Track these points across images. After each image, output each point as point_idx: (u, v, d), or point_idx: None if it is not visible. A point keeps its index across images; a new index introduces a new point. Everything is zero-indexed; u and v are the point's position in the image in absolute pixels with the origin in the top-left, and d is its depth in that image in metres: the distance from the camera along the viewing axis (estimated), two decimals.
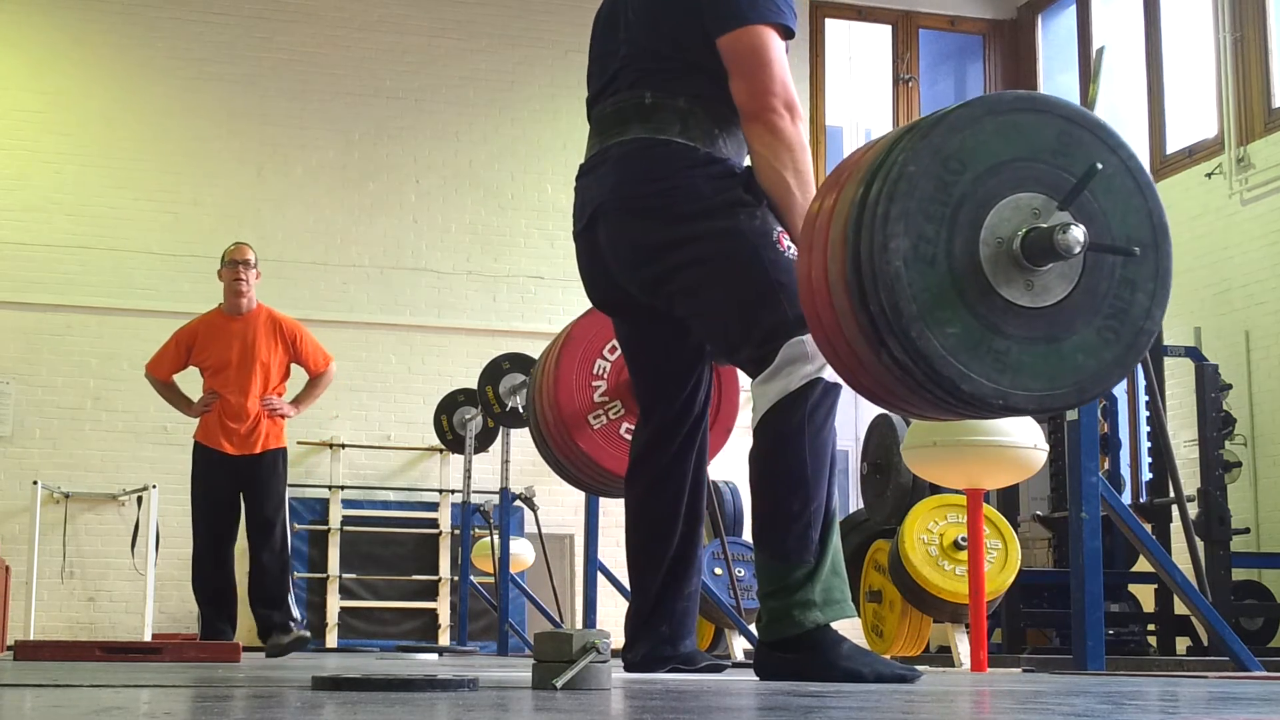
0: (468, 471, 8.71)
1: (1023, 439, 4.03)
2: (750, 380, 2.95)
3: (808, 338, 2.83)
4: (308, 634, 6.44)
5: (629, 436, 4.10)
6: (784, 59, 3.07)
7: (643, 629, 3.32)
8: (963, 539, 5.05)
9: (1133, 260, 2.35)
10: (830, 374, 2.87)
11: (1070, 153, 2.32)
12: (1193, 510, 6.77)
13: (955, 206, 2.26)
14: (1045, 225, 2.26)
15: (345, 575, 9.61)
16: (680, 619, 3.34)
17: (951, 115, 2.30)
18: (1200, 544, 6.68)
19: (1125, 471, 8.15)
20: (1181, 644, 7.39)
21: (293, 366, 6.68)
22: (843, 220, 2.32)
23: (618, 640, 3.23)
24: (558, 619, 8.48)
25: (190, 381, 6.70)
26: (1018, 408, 2.28)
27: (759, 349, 2.89)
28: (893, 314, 2.22)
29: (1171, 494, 6.79)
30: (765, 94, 2.99)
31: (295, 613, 6.56)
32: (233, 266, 6.56)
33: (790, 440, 2.85)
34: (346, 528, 9.71)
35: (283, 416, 6.53)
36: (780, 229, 2.95)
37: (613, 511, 5.77)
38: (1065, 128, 2.33)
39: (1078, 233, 2.24)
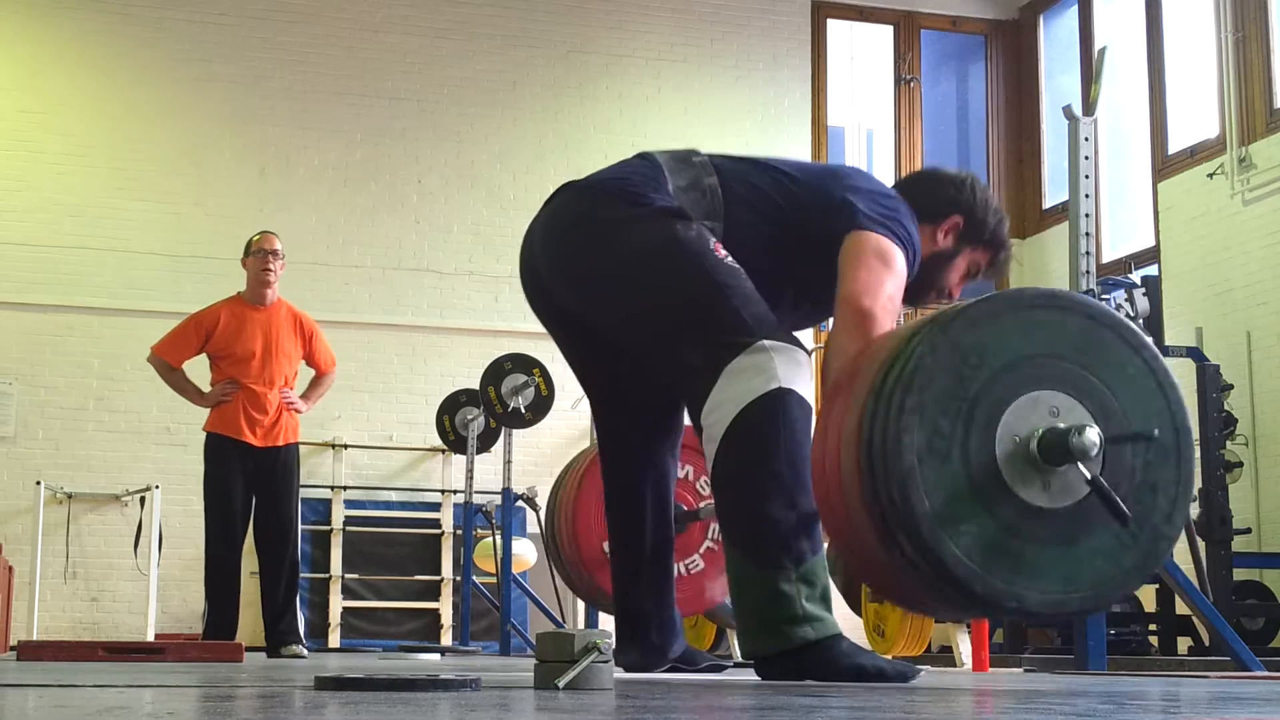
0: (470, 472, 8.71)
1: None
2: (698, 382, 2.86)
3: (771, 344, 2.79)
4: (305, 654, 6.39)
5: None
6: (904, 279, 2.92)
7: (630, 638, 3.29)
8: None
9: (1153, 463, 2.29)
10: (804, 388, 2.81)
11: (1092, 351, 2.27)
12: (1194, 510, 6.77)
13: (972, 402, 2.22)
14: (1062, 426, 2.21)
15: (348, 575, 9.61)
16: (667, 626, 3.30)
17: (971, 309, 2.26)
18: (1201, 544, 6.68)
19: None
20: (1183, 644, 7.39)
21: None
22: (858, 408, 2.28)
23: None
24: (560, 619, 8.49)
25: (193, 371, 6.63)
26: (1032, 612, 2.22)
27: (713, 349, 2.82)
28: (905, 510, 2.17)
29: None
30: (878, 290, 2.83)
31: (300, 623, 6.56)
32: (261, 255, 6.50)
33: (769, 442, 2.75)
34: (349, 528, 9.71)
35: (298, 412, 6.50)
36: (717, 241, 2.92)
37: None
38: (1087, 325, 2.28)
39: (1093, 435, 2.19)
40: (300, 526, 9.43)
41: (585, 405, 9.09)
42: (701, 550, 4.38)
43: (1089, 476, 2.19)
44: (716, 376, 2.80)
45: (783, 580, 2.73)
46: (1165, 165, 9.27)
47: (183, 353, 6.47)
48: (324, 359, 6.68)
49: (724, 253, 2.90)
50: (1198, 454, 6.83)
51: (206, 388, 6.52)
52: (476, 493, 8.68)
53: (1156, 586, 7.22)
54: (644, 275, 2.95)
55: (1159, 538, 2.29)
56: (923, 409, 2.19)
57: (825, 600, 2.73)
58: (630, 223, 2.95)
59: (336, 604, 9.52)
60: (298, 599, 6.55)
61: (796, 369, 2.82)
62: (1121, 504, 2.18)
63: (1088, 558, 2.23)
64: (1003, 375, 2.24)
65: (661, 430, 3.29)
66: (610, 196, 3.00)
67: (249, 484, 6.37)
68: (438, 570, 9.79)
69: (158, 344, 6.51)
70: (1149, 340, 2.34)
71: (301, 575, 9.35)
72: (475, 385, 8.23)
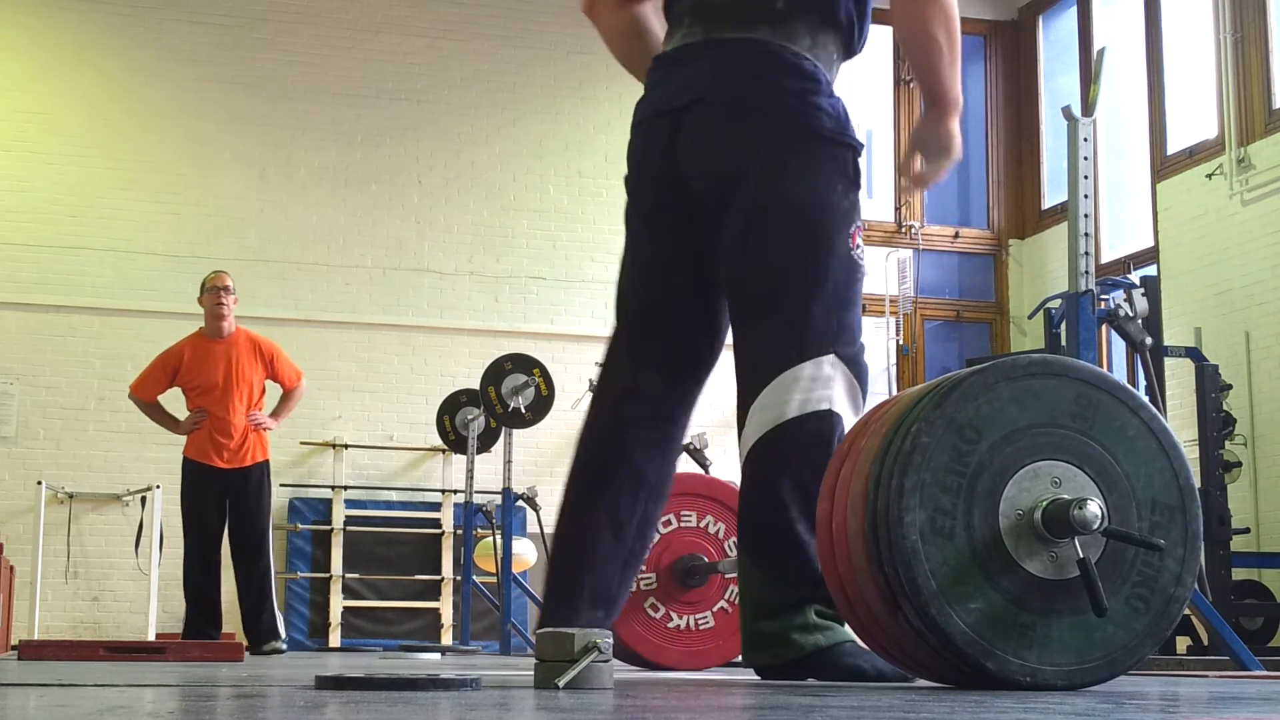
0: (470, 472, 8.72)
1: None
2: (759, 370, 2.75)
3: (841, 361, 2.72)
4: (284, 647, 6.99)
5: (654, 613, 4.21)
6: None
7: (573, 608, 2.89)
8: None
9: (1161, 524, 2.28)
10: (851, 418, 2.72)
11: (1089, 416, 2.26)
12: None
13: (973, 477, 2.22)
14: (1065, 498, 2.21)
15: (348, 575, 9.62)
16: (618, 607, 2.99)
17: (965, 383, 2.25)
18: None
19: None
20: (1182, 643, 7.40)
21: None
22: (863, 477, 2.28)
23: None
24: None
25: (170, 401, 7.21)
26: (1046, 684, 2.20)
27: (789, 344, 2.72)
28: (910, 589, 2.17)
29: None
30: None
31: (279, 621, 7.06)
32: (214, 292, 7.06)
33: (819, 455, 2.67)
34: (350, 528, 9.71)
35: (266, 429, 7.07)
36: (859, 224, 2.80)
37: None
38: (1083, 391, 2.27)
39: (1094, 508, 2.18)
40: (298, 526, 9.53)
41: (585, 405, 9.11)
42: (715, 609, 4.37)
43: (1079, 557, 2.19)
44: (778, 373, 2.73)
45: (793, 592, 2.71)
46: (1164, 166, 9.28)
47: (154, 389, 7.12)
48: (288, 376, 7.23)
49: (858, 241, 2.79)
50: (1196, 454, 6.84)
51: (184, 416, 7.15)
52: (477, 492, 8.69)
53: None
54: (783, 232, 2.74)
55: (1171, 600, 2.28)
56: (923, 488, 2.19)
57: (832, 607, 2.67)
58: (810, 157, 2.74)
59: (337, 603, 9.53)
60: (274, 600, 7.04)
61: (853, 396, 2.76)
62: (1102, 595, 2.18)
63: (1100, 625, 2.23)
64: (1002, 448, 2.23)
65: (688, 393, 3.00)
66: (797, 118, 2.74)
67: (222, 502, 6.97)
68: (438, 570, 9.80)
69: (133, 383, 7.22)
70: (1147, 400, 2.32)
71: (302, 575, 9.41)
72: (475, 385, 8.24)
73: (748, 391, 2.79)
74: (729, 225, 2.77)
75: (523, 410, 7.72)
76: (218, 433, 6.94)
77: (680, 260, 2.90)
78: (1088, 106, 4.15)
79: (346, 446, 9.83)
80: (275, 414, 7.23)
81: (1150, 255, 9.33)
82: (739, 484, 2.85)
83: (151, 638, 8.04)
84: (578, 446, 3.01)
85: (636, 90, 3.05)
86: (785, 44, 2.77)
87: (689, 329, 2.95)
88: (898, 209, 10.93)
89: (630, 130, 2.96)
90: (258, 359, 7.08)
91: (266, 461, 7.12)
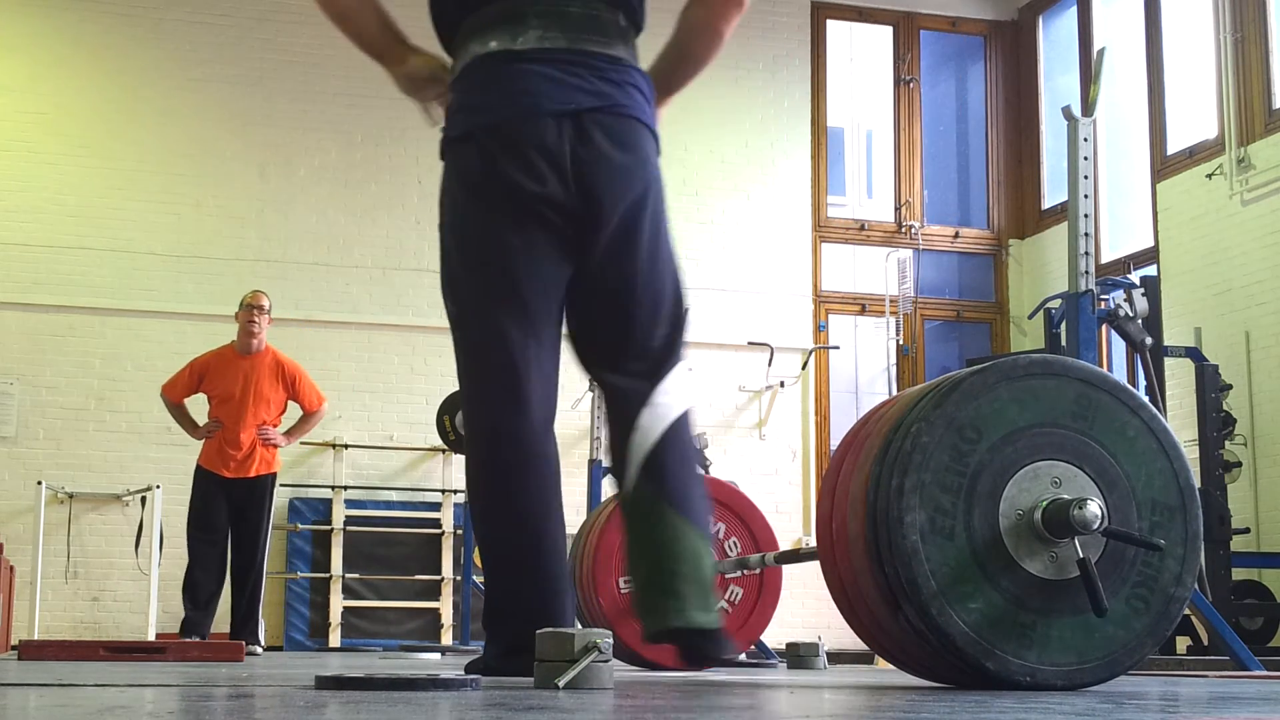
0: None
1: None
2: (660, 361, 2.79)
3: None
4: (260, 652, 7.20)
5: None
6: None
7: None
8: None
9: (1161, 524, 2.27)
10: None
11: (1089, 416, 2.26)
12: None
13: (973, 477, 2.22)
14: (1065, 498, 2.21)
15: (348, 575, 9.62)
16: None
17: (965, 383, 2.25)
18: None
19: None
20: (1182, 643, 7.40)
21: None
22: (863, 477, 2.29)
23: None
24: None
25: (195, 407, 7.50)
26: (1046, 684, 2.20)
27: (669, 350, 2.78)
28: (910, 589, 2.18)
29: None
30: None
31: (261, 629, 7.37)
32: (248, 310, 7.37)
33: (694, 445, 2.78)
34: (349, 528, 9.71)
35: (276, 446, 7.37)
36: None
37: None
38: (1083, 390, 2.27)
39: (1094, 508, 2.18)
40: (298, 526, 9.54)
41: (585, 405, 9.10)
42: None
43: (1079, 557, 2.19)
44: (673, 368, 2.78)
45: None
46: (1164, 166, 9.28)
47: (180, 391, 7.43)
48: (309, 399, 7.49)
49: None
50: (1196, 454, 6.84)
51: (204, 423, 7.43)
52: None
53: None
54: (668, 246, 2.86)
55: (1170, 600, 2.28)
56: (923, 488, 2.19)
57: None
58: (659, 192, 2.87)
59: (337, 603, 9.53)
60: (259, 611, 7.33)
61: None
62: (1102, 595, 2.17)
63: (1100, 625, 2.22)
64: (1002, 447, 2.23)
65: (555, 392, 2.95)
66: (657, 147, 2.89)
67: (226, 509, 7.27)
68: (438, 570, 9.80)
69: (165, 383, 7.50)
70: (1146, 400, 2.32)
71: (302, 575, 9.42)
72: None
73: (646, 383, 2.77)
74: (635, 240, 2.79)
75: None
76: (227, 444, 7.22)
77: (542, 248, 2.84)
78: (1088, 106, 4.15)
79: (346, 446, 9.83)
80: (290, 433, 7.46)
81: (1150, 255, 9.34)
82: (718, 473, 2.88)
83: (151, 638, 8.04)
84: (502, 436, 2.85)
85: None
86: (634, 65, 2.89)
87: (557, 309, 2.90)
88: (898, 209, 10.93)
89: (500, 118, 2.90)
90: (279, 380, 7.35)
91: (273, 475, 7.37)
